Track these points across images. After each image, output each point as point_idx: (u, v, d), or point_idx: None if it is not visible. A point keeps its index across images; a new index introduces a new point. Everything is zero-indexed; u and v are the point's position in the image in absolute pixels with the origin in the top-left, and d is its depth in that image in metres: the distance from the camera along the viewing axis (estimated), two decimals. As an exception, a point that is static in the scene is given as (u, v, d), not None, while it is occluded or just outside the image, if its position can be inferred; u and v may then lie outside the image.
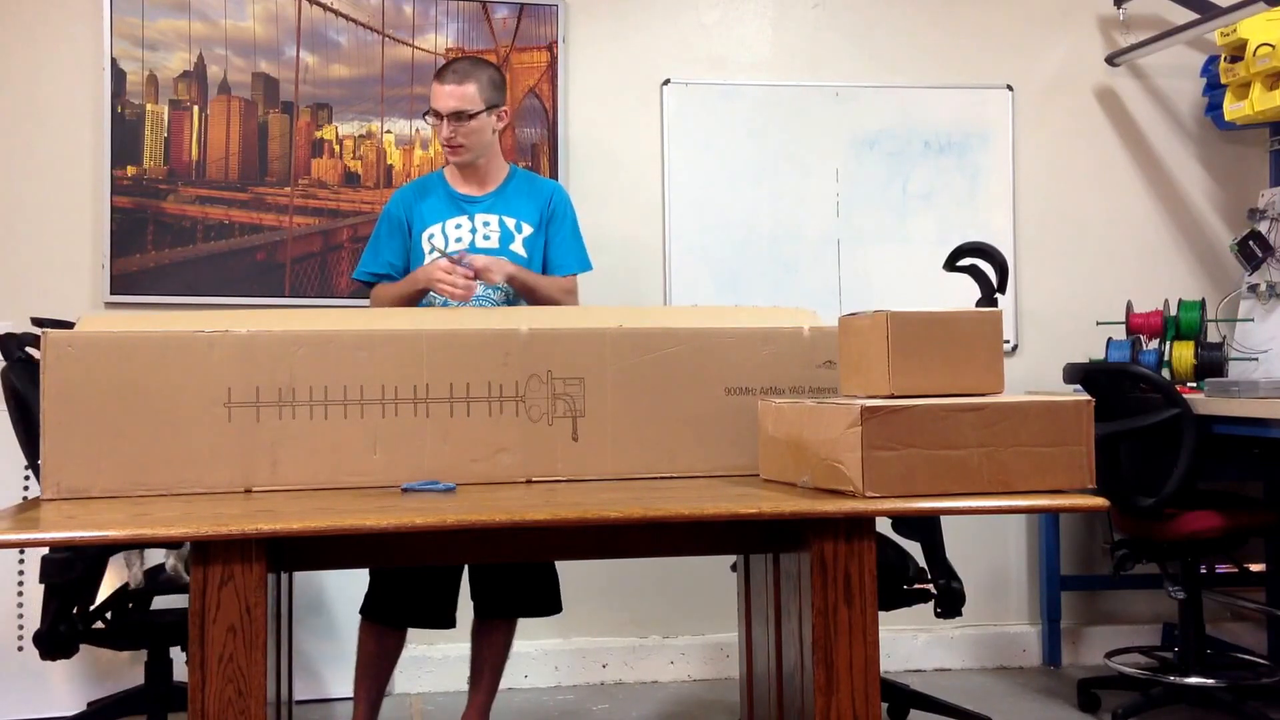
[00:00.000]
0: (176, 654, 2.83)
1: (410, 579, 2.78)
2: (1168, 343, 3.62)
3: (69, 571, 2.53)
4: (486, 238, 2.90)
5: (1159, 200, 4.13)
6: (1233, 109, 3.81)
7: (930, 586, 2.79)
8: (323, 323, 2.13)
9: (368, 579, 2.84)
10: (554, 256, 2.96)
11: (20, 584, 3.34)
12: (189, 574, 1.72)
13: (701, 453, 2.16)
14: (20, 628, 3.32)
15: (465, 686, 2.99)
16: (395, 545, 1.97)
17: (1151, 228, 4.12)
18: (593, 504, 1.80)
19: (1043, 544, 3.92)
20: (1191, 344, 3.59)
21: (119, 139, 3.56)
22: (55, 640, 2.52)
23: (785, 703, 1.98)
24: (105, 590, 2.70)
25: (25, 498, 3.31)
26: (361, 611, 2.82)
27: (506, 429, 2.09)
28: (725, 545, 2.10)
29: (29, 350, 2.52)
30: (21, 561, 3.33)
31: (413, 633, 3.47)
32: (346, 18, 3.70)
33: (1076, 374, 3.29)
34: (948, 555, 2.79)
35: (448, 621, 2.84)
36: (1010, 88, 4.02)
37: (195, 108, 3.62)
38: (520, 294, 2.85)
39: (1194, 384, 3.53)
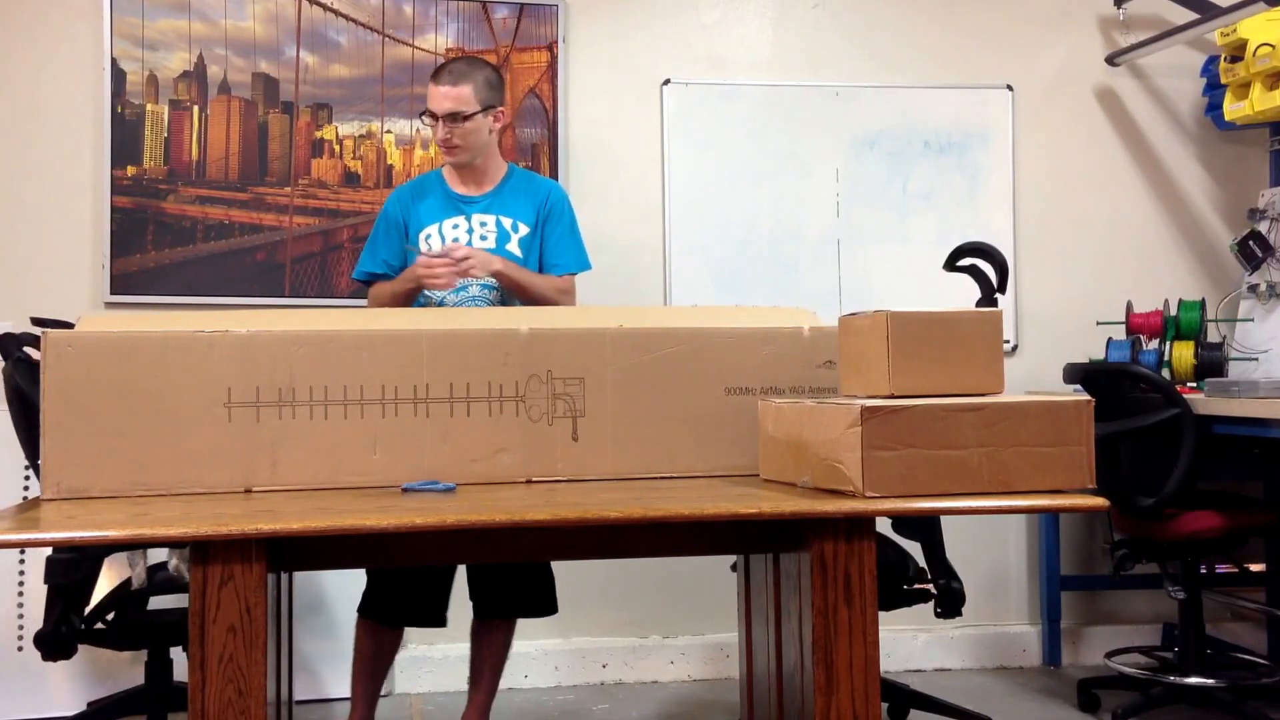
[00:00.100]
0: (177, 654, 2.83)
1: (405, 578, 2.79)
2: (1168, 343, 3.62)
3: (75, 572, 2.52)
4: (483, 238, 2.90)
5: (1159, 200, 4.13)
6: (1233, 109, 3.81)
7: (930, 586, 2.79)
8: (323, 323, 2.13)
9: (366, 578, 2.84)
10: (549, 255, 2.95)
11: (20, 584, 3.34)
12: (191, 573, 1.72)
13: (701, 453, 2.16)
14: (20, 628, 3.32)
15: (465, 686, 2.99)
16: (395, 545, 1.96)
17: (1151, 228, 4.12)
18: (593, 504, 1.80)
19: (1043, 544, 3.92)
20: (1191, 344, 3.59)
21: (119, 139, 3.56)
22: (58, 641, 2.52)
23: (785, 703, 1.98)
24: (101, 590, 2.70)
25: (25, 497, 3.31)
26: (359, 610, 2.83)
27: (506, 429, 2.09)
28: (725, 545, 2.10)
29: (28, 350, 2.52)
30: (22, 562, 3.33)
31: (413, 633, 3.47)
32: (346, 18, 3.70)
33: (1076, 374, 3.29)
34: (948, 555, 2.78)
35: (439, 620, 2.84)
36: (1010, 88, 4.02)
37: (195, 108, 3.62)
38: (510, 292, 2.85)
39: (1194, 384, 3.53)
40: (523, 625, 2.97)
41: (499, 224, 2.92)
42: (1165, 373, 3.54)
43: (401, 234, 2.94)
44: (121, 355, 1.97)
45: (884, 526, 2.52)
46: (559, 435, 2.11)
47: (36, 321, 2.47)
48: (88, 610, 2.64)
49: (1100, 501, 1.80)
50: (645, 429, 2.14)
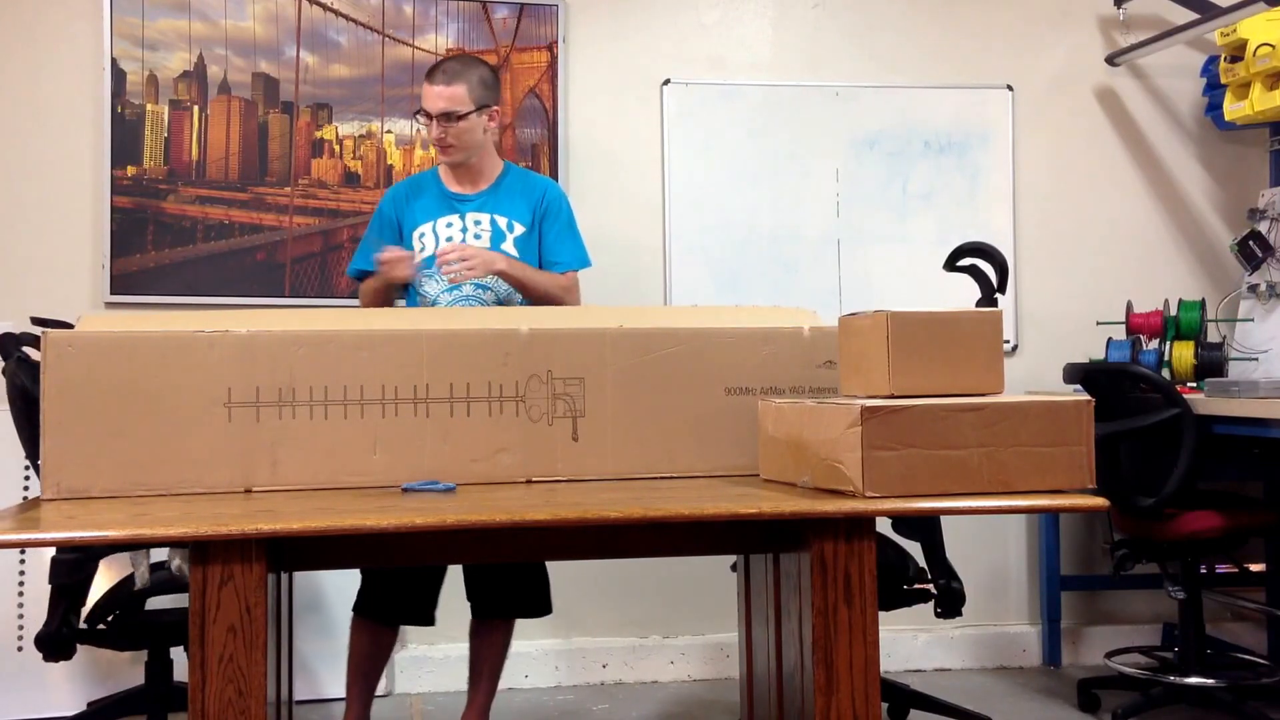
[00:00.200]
0: (177, 654, 2.83)
1: (399, 577, 2.79)
2: (1168, 343, 3.62)
3: (79, 572, 2.53)
4: (478, 236, 2.89)
5: (1159, 200, 4.13)
6: (1233, 109, 3.81)
7: (930, 586, 2.79)
8: (323, 323, 2.13)
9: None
10: (549, 253, 2.95)
11: (21, 584, 3.34)
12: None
13: (701, 453, 2.16)
14: (20, 628, 3.32)
15: (465, 686, 2.99)
16: (395, 545, 1.96)
17: (1151, 228, 4.12)
18: (593, 504, 1.80)
19: (1043, 544, 3.92)
20: (1191, 344, 3.59)
21: (119, 139, 3.56)
22: (59, 641, 2.52)
23: (785, 703, 1.98)
24: (97, 590, 2.70)
25: (25, 497, 3.31)
26: (354, 609, 2.83)
27: (506, 429, 2.09)
28: (725, 545, 2.10)
29: (28, 350, 2.52)
30: (22, 562, 3.33)
31: (413, 633, 3.47)
32: (346, 18, 3.70)
33: (1076, 374, 3.29)
34: (948, 555, 2.78)
35: (427, 619, 2.85)
36: (1010, 88, 4.02)
37: (195, 108, 3.62)
38: (515, 288, 2.85)
39: (1194, 384, 3.53)
40: (523, 625, 2.97)
41: (494, 223, 2.91)
42: (1165, 373, 3.54)
43: (395, 232, 2.94)
44: (121, 355, 1.97)
45: (884, 526, 2.52)
46: (559, 435, 2.11)
47: (36, 321, 2.47)
48: (86, 611, 2.64)
49: (1100, 501, 1.80)
50: (645, 429, 2.14)
